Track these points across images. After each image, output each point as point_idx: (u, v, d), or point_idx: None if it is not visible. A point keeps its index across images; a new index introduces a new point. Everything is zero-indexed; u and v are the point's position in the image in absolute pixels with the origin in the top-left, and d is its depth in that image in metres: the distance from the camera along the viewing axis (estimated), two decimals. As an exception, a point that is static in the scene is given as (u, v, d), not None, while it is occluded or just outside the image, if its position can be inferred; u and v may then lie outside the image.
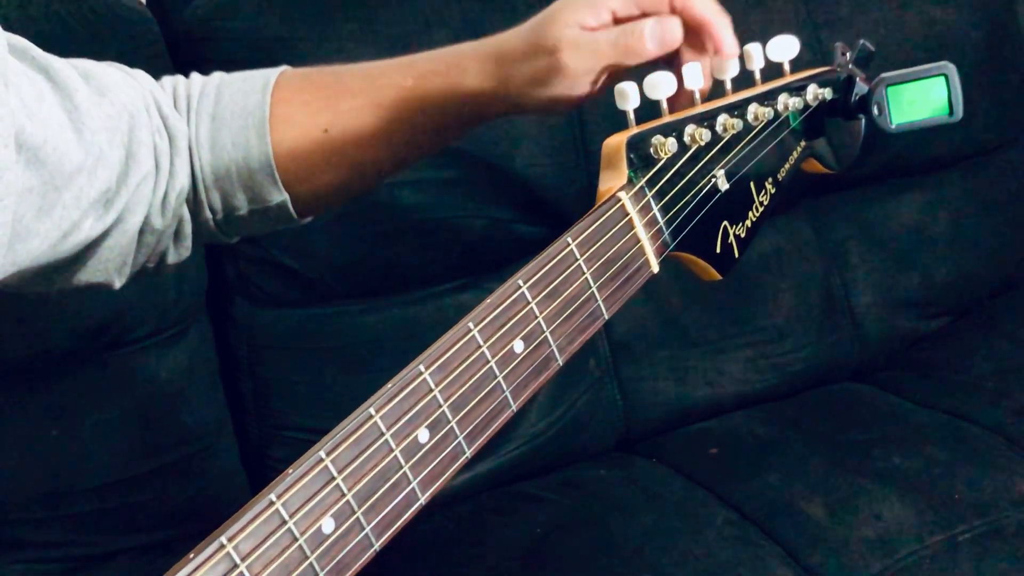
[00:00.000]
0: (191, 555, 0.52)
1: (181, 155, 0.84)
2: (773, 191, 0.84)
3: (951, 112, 0.85)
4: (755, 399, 1.61)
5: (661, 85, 0.75)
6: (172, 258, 0.88)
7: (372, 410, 0.58)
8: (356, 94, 0.86)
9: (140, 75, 0.86)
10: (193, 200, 0.86)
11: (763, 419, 1.56)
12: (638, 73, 0.79)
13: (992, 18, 1.71)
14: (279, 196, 0.86)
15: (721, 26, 0.80)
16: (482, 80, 0.82)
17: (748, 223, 0.82)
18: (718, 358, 1.60)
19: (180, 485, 1.37)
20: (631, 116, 0.75)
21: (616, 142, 0.73)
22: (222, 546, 0.52)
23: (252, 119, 0.85)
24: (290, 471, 0.55)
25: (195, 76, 0.89)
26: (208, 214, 0.87)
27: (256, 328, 1.42)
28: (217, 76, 0.89)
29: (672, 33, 0.79)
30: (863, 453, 1.43)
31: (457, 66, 0.84)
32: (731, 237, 0.80)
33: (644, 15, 0.80)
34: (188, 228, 0.86)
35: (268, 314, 1.42)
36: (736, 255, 0.81)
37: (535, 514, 1.40)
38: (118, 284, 0.85)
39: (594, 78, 0.80)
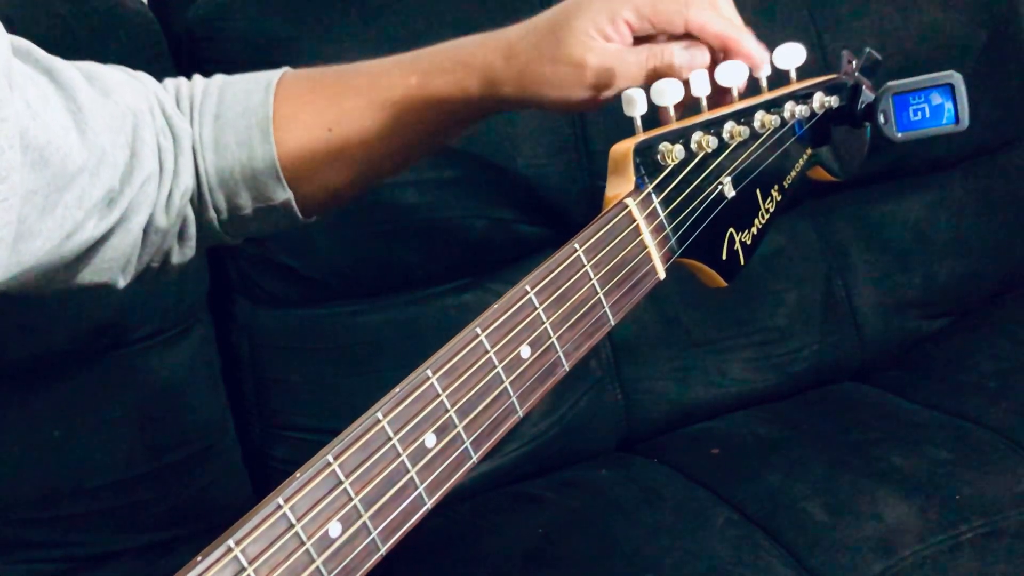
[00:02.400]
0: (198, 558, 0.52)
1: (185, 155, 0.84)
2: (779, 198, 0.84)
3: (957, 121, 0.86)
4: (757, 399, 1.61)
5: (668, 92, 0.75)
6: (176, 258, 0.88)
7: (379, 414, 0.58)
8: (360, 93, 0.86)
9: (143, 76, 0.86)
10: (198, 200, 0.86)
11: (765, 419, 1.56)
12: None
13: (994, 20, 1.71)
14: (283, 194, 0.86)
15: (745, 41, 0.81)
16: (492, 79, 0.82)
17: (754, 230, 0.82)
18: (719, 358, 1.60)
19: (181, 485, 1.37)
20: (638, 122, 0.75)
21: (624, 148, 0.73)
22: (229, 549, 0.53)
23: (255, 118, 0.85)
24: (297, 475, 0.55)
25: (197, 78, 0.89)
26: (212, 214, 0.86)
27: (257, 328, 1.42)
28: (219, 78, 0.89)
29: (700, 62, 0.80)
30: (865, 453, 1.43)
31: (464, 64, 0.83)
32: (737, 244, 0.80)
33: (659, 32, 0.81)
34: (192, 229, 0.86)
35: (270, 314, 1.42)
36: (742, 262, 0.81)
37: (536, 514, 1.40)
38: (122, 284, 0.85)
39: (614, 92, 0.80)
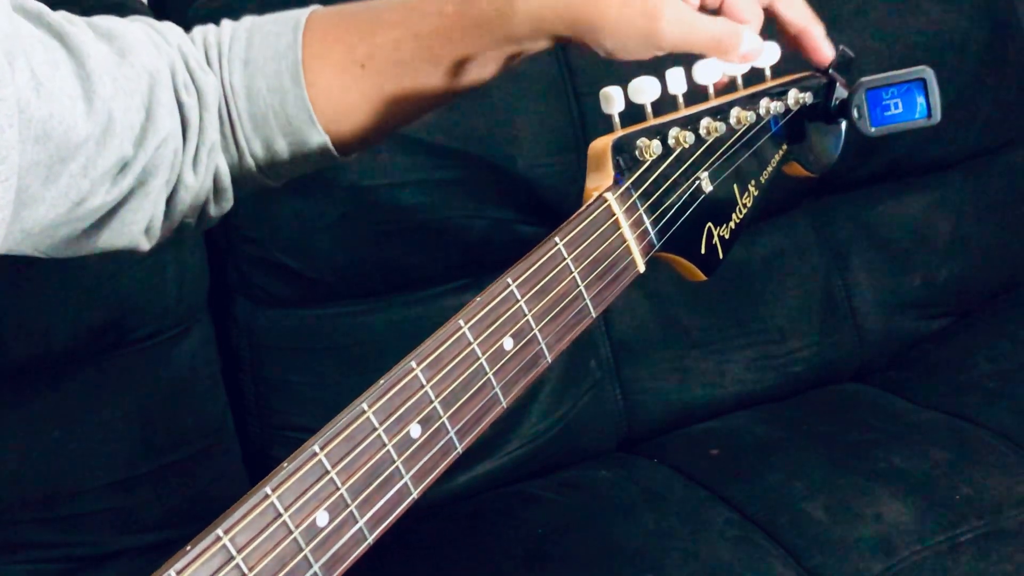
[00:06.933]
0: (188, 547, 0.52)
1: (210, 110, 0.82)
2: (756, 193, 0.85)
3: (929, 115, 0.87)
4: (756, 399, 1.61)
5: (646, 90, 0.76)
6: (214, 211, 0.86)
7: (365, 405, 0.59)
8: (393, 26, 0.82)
9: (168, 29, 0.84)
10: (235, 148, 0.84)
11: (764, 419, 1.56)
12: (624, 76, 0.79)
13: (994, 19, 1.71)
14: (319, 137, 0.83)
15: (819, 36, 0.84)
16: (542, 17, 0.78)
17: (732, 224, 0.83)
18: (719, 358, 1.60)
19: (181, 485, 1.37)
20: (616, 120, 0.76)
21: (602, 144, 0.74)
22: (218, 538, 0.53)
23: (285, 62, 0.82)
24: (285, 465, 0.56)
25: (225, 23, 0.86)
26: (251, 161, 0.84)
27: (258, 328, 1.42)
28: (248, 20, 0.86)
29: (767, 58, 0.83)
30: (864, 453, 1.43)
31: None
32: (715, 238, 0.81)
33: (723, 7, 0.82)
34: (227, 180, 0.84)
35: (270, 314, 1.42)
36: (720, 256, 0.82)
37: (536, 514, 1.40)
38: (146, 247, 0.83)
39: (671, 51, 0.79)
